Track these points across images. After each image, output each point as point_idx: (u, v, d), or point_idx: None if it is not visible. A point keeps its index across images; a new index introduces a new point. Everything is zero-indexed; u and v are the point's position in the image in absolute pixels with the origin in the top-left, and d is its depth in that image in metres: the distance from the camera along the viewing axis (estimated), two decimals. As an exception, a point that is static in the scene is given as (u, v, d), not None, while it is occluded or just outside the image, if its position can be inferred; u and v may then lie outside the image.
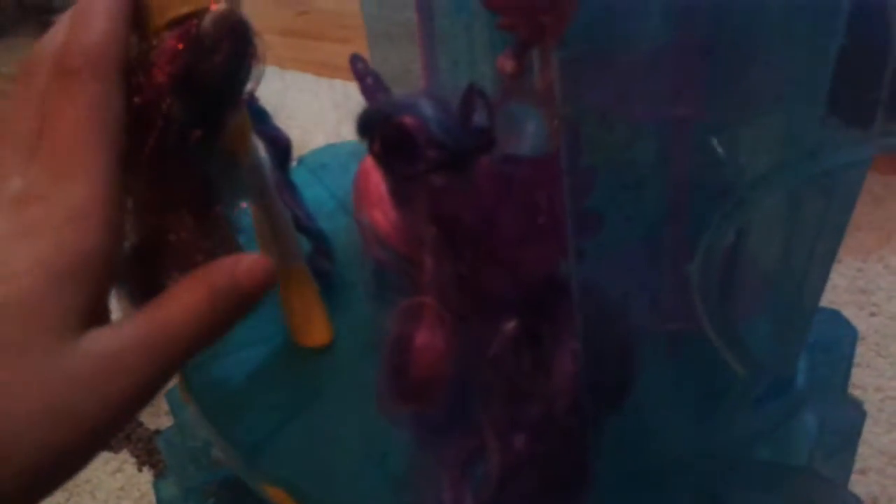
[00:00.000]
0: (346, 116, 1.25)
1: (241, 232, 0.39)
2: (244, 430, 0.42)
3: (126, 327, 0.27)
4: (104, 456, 0.84)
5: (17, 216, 0.25)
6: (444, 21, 0.47)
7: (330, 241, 0.52)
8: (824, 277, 0.35)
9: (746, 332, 0.33)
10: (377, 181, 0.34)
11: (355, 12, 0.58)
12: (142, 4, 0.31)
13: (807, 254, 0.34)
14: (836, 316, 0.47)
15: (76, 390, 0.24)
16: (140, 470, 0.83)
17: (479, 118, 0.31)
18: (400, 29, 0.57)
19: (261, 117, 0.47)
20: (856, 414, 0.44)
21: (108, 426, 0.25)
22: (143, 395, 0.26)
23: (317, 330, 0.47)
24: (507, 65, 0.43)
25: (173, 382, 0.63)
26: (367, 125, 0.31)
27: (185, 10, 0.31)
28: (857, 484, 0.70)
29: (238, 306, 0.29)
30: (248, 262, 0.29)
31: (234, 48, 0.32)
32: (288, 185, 0.50)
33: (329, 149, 0.66)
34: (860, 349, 0.76)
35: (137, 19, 0.31)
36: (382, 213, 0.34)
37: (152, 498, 0.72)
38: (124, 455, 0.84)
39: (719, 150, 0.29)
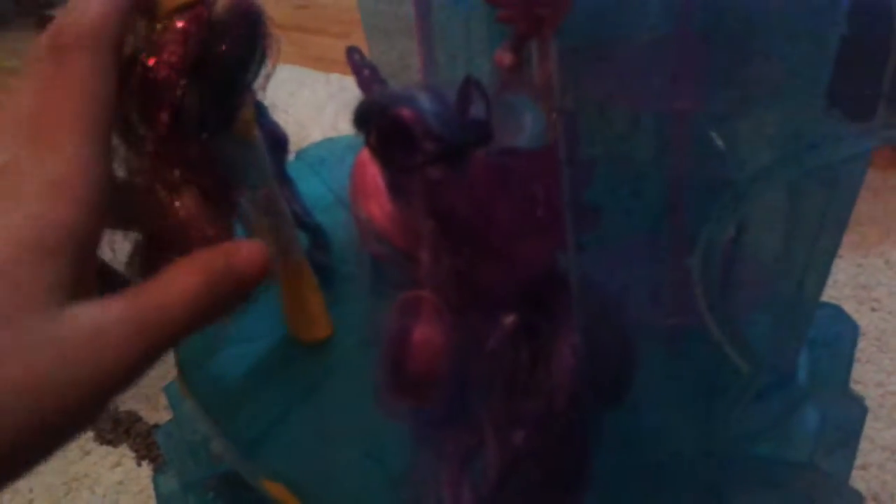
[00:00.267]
0: (343, 111, 1.25)
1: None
2: (243, 425, 0.42)
3: (116, 303, 0.26)
4: (103, 450, 0.84)
5: None
6: (441, 15, 0.47)
7: (327, 236, 0.52)
8: (825, 272, 0.35)
9: (747, 327, 0.32)
10: (374, 174, 0.34)
11: (354, 7, 0.58)
12: None
13: (808, 248, 0.34)
14: (837, 311, 0.47)
15: (60, 362, 0.24)
16: (139, 464, 0.82)
17: (477, 111, 0.30)
18: (397, 23, 0.57)
19: (259, 111, 0.46)
20: (857, 409, 0.43)
21: (92, 402, 0.25)
22: (130, 373, 0.26)
23: (316, 324, 0.47)
24: (505, 58, 0.43)
25: (172, 376, 0.63)
26: (364, 117, 0.31)
27: None
28: (858, 479, 0.70)
29: (233, 292, 0.29)
30: (246, 249, 0.29)
31: (247, 33, 0.32)
32: (285, 180, 0.49)
33: (326, 143, 0.66)
34: (860, 345, 0.76)
35: (146, 4, 0.31)
36: (379, 207, 0.34)
37: (151, 492, 0.72)
38: (123, 449, 0.84)
39: (719, 142, 0.29)
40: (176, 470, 0.66)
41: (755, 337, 0.33)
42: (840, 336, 0.45)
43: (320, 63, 1.50)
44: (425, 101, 0.30)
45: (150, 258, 0.33)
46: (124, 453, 0.84)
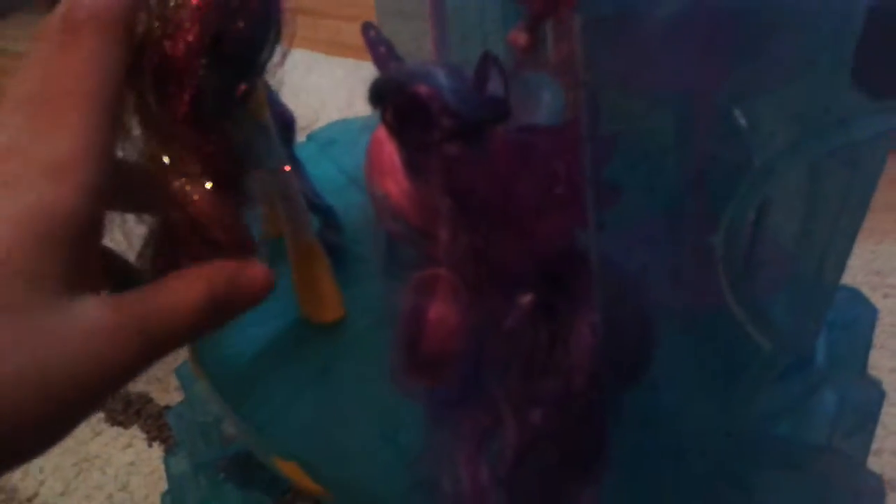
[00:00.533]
0: (354, 94, 1.24)
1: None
2: (256, 404, 0.42)
3: (123, 304, 0.26)
4: (114, 431, 0.84)
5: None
6: (455, -4, 0.46)
7: (339, 217, 0.52)
8: (846, 254, 0.35)
9: (767, 308, 0.32)
10: (390, 151, 0.34)
11: (366, -11, 0.58)
12: None
13: (828, 229, 0.33)
14: (855, 294, 0.46)
15: (65, 355, 0.24)
16: (150, 445, 0.83)
17: (495, 87, 0.30)
18: (410, 4, 0.56)
19: (267, 94, 0.46)
20: (875, 392, 0.43)
21: (91, 397, 0.25)
22: (128, 373, 0.26)
23: (328, 305, 0.47)
24: (520, 38, 0.42)
25: (183, 358, 0.63)
26: (380, 94, 0.31)
27: None
28: (872, 465, 0.69)
29: (233, 309, 0.29)
30: (251, 271, 0.30)
31: (263, 9, 0.31)
32: (293, 162, 0.49)
33: (338, 124, 0.66)
34: (875, 331, 0.76)
35: None
36: (396, 184, 0.33)
37: (163, 473, 0.72)
38: (134, 430, 0.84)
39: (741, 120, 0.28)
40: (187, 451, 0.66)
41: (775, 319, 0.33)
42: (858, 319, 0.45)
43: (332, 47, 1.50)
44: (442, 78, 0.30)
45: (162, 248, 0.33)
46: (135, 434, 0.84)
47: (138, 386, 0.88)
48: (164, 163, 0.31)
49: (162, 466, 0.74)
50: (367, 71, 0.39)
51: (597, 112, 0.26)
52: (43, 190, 0.25)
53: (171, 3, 0.30)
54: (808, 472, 0.36)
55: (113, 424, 0.85)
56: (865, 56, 0.27)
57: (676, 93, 0.29)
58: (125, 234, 0.33)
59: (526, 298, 0.30)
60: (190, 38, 0.30)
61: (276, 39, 0.33)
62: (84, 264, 0.26)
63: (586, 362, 0.29)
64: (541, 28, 0.42)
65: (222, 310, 0.28)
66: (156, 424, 0.84)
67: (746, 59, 0.27)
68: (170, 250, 0.33)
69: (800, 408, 0.38)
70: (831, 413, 0.39)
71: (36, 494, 0.80)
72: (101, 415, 0.85)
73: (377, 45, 0.38)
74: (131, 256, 0.33)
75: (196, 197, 0.32)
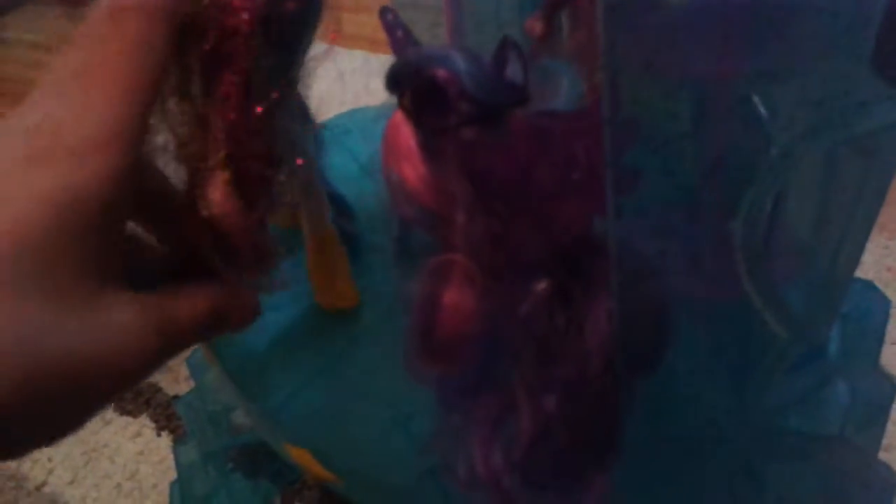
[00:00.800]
0: (364, 87, 1.24)
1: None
2: (268, 391, 0.42)
3: (148, 304, 0.26)
4: (123, 420, 0.84)
5: (25, 144, 0.25)
6: (471, -16, 0.46)
7: (351, 205, 0.52)
8: (861, 245, 0.34)
9: (783, 297, 0.32)
10: (407, 136, 0.34)
11: (379, -19, 0.57)
12: None
13: (844, 219, 0.33)
14: (869, 286, 0.46)
15: (94, 345, 0.24)
16: (159, 435, 0.83)
17: (513, 72, 0.30)
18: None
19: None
20: (887, 386, 0.43)
21: (111, 390, 0.25)
22: (145, 372, 0.26)
23: (342, 293, 0.47)
24: (536, 27, 0.42)
25: (193, 348, 0.63)
26: (398, 78, 0.31)
27: None
28: (882, 460, 0.69)
29: (226, 327, 0.30)
30: (243, 299, 0.31)
31: None
32: (317, 148, 0.49)
33: (352, 113, 0.66)
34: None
35: None
36: (412, 168, 0.33)
37: (171, 462, 0.72)
38: (143, 420, 0.84)
39: (761, 107, 0.28)
40: (196, 440, 0.66)
41: (790, 308, 0.32)
42: (872, 311, 0.44)
43: (340, 39, 1.49)
44: (460, 62, 0.29)
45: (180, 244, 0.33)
46: (144, 423, 0.84)
47: (147, 375, 0.88)
48: (194, 149, 0.31)
49: (170, 456, 0.74)
50: (375, 65, 0.38)
51: (617, 97, 0.26)
52: (71, 170, 0.24)
53: None
54: (821, 463, 0.36)
55: (122, 414, 0.85)
56: (885, 42, 0.27)
57: (696, 79, 0.28)
58: None
59: (542, 284, 0.30)
60: (242, 19, 0.29)
61: (318, 23, 0.33)
62: (109, 251, 0.26)
63: (601, 349, 0.29)
64: (557, 16, 0.42)
65: (218, 325, 0.30)
66: (164, 414, 0.84)
67: (766, 45, 0.27)
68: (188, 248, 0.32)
69: (812, 399, 0.38)
70: (843, 405, 0.38)
71: (45, 483, 0.80)
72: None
73: (395, 30, 0.38)
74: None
75: (220, 195, 0.31)
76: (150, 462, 0.81)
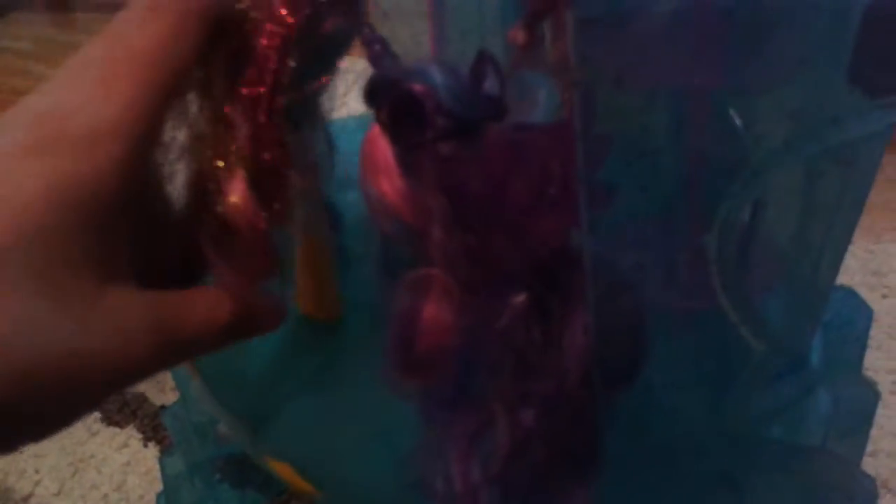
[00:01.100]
0: (353, 92, 1.24)
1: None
2: (249, 404, 0.42)
3: (151, 305, 0.26)
4: (110, 431, 0.84)
5: (30, 132, 0.24)
6: (454, -7, 0.46)
7: (338, 214, 0.52)
8: (841, 254, 0.34)
9: (761, 308, 0.32)
10: (384, 150, 0.34)
11: (367, -12, 0.57)
12: None
13: (824, 229, 0.33)
14: (851, 295, 0.46)
15: (89, 342, 0.24)
16: (146, 445, 0.83)
17: (490, 86, 0.30)
18: (409, 3, 0.56)
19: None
20: (870, 394, 0.43)
21: (101, 391, 0.25)
22: (139, 375, 0.26)
23: (326, 304, 0.47)
24: (519, 36, 0.42)
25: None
26: (375, 92, 0.31)
27: None
28: (867, 466, 0.69)
29: (246, 336, 0.30)
30: (268, 305, 0.31)
31: (349, 5, 0.32)
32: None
33: (336, 122, 0.66)
34: (872, 331, 0.76)
35: None
36: (389, 183, 0.33)
37: (158, 473, 0.72)
38: (130, 430, 0.84)
39: (737, 120, 0.28)
40: (182, 451, 0.66)
41: (770, 319, 0.32)
42: (854, 319, 0.45)
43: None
44: (437, 76, 0.29)
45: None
46: (131, 434, 0.84)
47: (134, 386, 0.88)
48: (212, 146, 0.31)
49: (157, 466, 0.74)
50: (363, 70, 0.39)
51: (591, 111, 0.26)
52: (73, 161, 0.24)
53: None
54: (803, 474, 0.36)
55: (109, 424, 0.85)
56: (862, 54, 0.27)
57: (671, 91, 0.28)
58: None
59: (519, 298, 0.30)
60: (282, 30, 0.29)
61: (352, 38, 0.33)
62: (112, 247, 0.25)
63: (579, 362, 0.29)
64: (539, 26, 0.42)
65: (235, 334, 0.29)
66: (151, 425, 0.84)
67: (742, 58, 0.27)
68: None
69: (794, 409, 0.38)
70: (825, 414, 0.39)
71: (31, 494, 0.79)
72: (96, 415, 0.85)
73: (372, 43, 0.37)
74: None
75: (239, 191, 0.31)
76: (137, 473, 0.80)
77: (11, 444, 0.24)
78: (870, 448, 0.70)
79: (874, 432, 0.71)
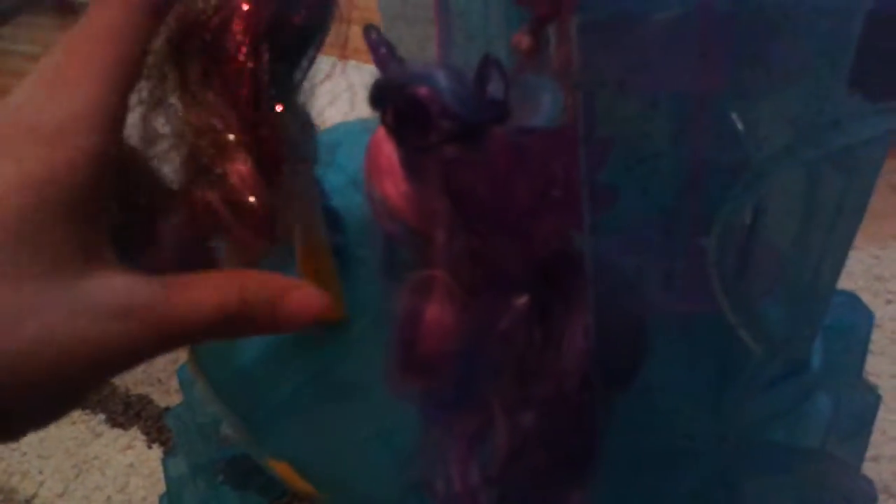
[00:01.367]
0: (360, 98, 1.24)
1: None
2: (252, 405, 0.42)
3: (138, 289, 0.26)
4: (114, 433, 0.84)
5: (4, 126, 0.25)
6: (460, -1, 0.47)
7: (341, 217, 0.52)
8: (842, 259, 0.35)
9: (762, 313, 0.32)
10: (389, 152, 0.34)
11: (372, -7, 0.58)
12: None
13: (825, 234, 0.33)
14: (853, 299, 0.46)
15: (72, 329, 0.24)
16: (150, 447, 0.83)
17: (495, 90, 0.30)
18: (415, 9, 0.57)
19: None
20: (871, 398, 0.43)
21: (90, 379, 0.25)
22: (130, 361, 0.26)
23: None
24: (523, 41, 0.42)
25: (183, 360, 0.63)
26: (380, 95, 0.31)
27: None
28: (869, 471, 0.69)
29: (269, 327, 0.29)
30: (303, 295, 0.30)
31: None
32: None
33: (341, 126, 0.66)
34: (875, 336, 0.76)
35: None
36: (394, 185, 0.34)
37: (161, 475, 0.72)
38: (134, 432, 0.84)
39: (739, 124, 0.28)
40: (185, 452, 0.66)
41: (770, 323, 0.33)
42: (855, 324, 0.45)
43: (351, 52, 1.49)
44: (442, 80, 0.30)
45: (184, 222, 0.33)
46: (135, 436, 0.84)
47: (139, 388, 0.88)
48: (200, 128, 0.31)
49: (161, 468, 0.74)
50: (370, 75, 0.39)
51: (593, 114, 0.26)
52: (47, 152, 0.25)
53: None
54: (802, 477, 0.36)
55: (113, 426, 0.85)
56: (863, 59, 0.27)
57: (673, 95, 0.29)
58: None
59: (521, 300, 0.30)
60: (246, 23, 0.30)
61: (327, 29, 0.33)
62: (93, 233, 0.26)
63: (579, 365, 0.29)
64: (544, 31, 0.42)
65: (246, 326, 0.28)
66: (156, 426, 0.84)
67: (744, 63, 0.27)
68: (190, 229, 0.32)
69: (794, 413, 0.38)
70: (826, 418, 0.39)
71: (35, 495, 0.80)
72: (101, 416, 0.85)
73: (378, 47, 0.38)
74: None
75: (244, 167, 0.31)
76: (140, 475, 0.81)
77: (2, 435, 0.24)
78: (872, 453, 0.70)
79: (877, 437, 0.71)
